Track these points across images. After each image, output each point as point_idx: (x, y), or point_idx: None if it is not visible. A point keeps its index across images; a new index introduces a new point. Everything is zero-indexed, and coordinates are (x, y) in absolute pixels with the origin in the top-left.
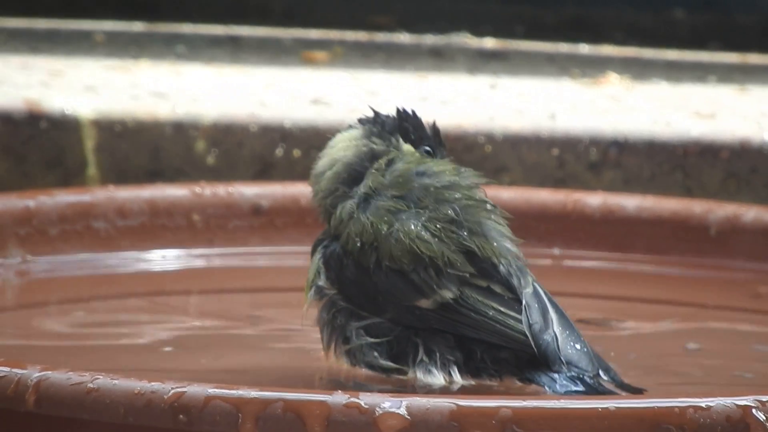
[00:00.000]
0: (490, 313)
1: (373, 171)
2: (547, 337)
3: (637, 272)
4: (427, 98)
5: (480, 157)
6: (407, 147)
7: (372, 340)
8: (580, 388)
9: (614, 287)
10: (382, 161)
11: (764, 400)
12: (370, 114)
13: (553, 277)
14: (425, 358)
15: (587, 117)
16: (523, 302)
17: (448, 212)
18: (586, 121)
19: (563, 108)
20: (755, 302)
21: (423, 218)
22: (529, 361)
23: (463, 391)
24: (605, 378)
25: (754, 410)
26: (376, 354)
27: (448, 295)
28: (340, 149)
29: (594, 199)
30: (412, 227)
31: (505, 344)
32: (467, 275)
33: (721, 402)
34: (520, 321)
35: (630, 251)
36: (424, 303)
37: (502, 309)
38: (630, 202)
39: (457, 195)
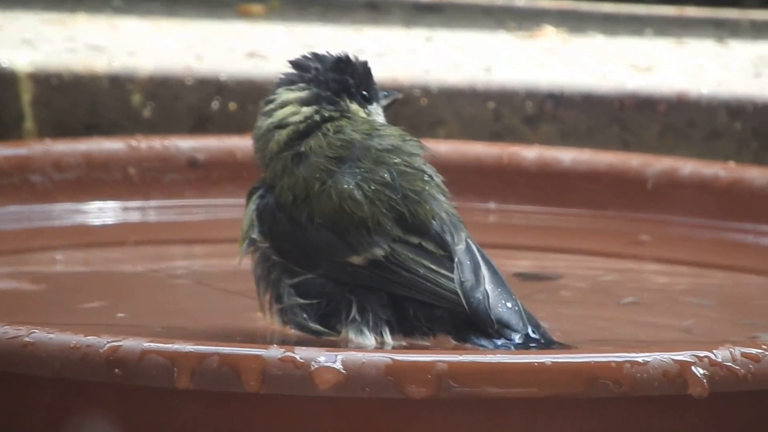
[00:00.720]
0: (421, 271)
1: (319, 134)
2: (479, 294)
3: (573, 226)
4: (363, 51)
5: (416, 111)
6: (355, 109)
7: (302, 301)
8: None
9: (550, 240)
10: (331, 127)
11: (702, 355)
12: (310, 61)
13: (488, 230)
14: (357, 317)
15: (523, 70)
16: (455, 259)
17: (385, 175)
18: (522, 75)
19: (499, 61)
20: (692, 255)
21: (358, 178)
22: (464, 320)
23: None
24: (535, 336)
25: (692, 366)
26: (305, 316)
27: (379, 252)
28: (288, 113)
29: (530, 153)
30: (345, 186)
31: (436, 302)
32: (399, 233)
33: (658, 357)
34: (452, 279)
35: (566, 205)
36: (356, 259)
37: (433, 267)
38: (566, 156)
39: (397, 160)
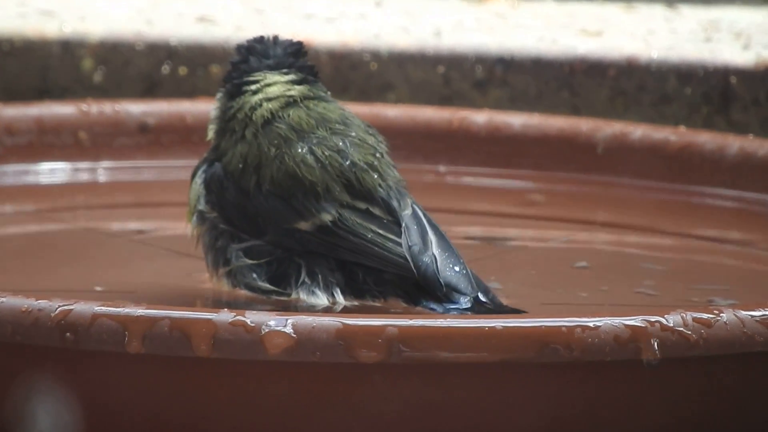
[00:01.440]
0: (369, 236)
1: (302, 107)
2: (426, 258)
3: (523, 190)
4: (312, 16)
5: (366, 75)
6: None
7: (251, 261)
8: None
9: (501, 205)
10: (314, 105)
11: (653, 320)
12: (270, 47)
13: (438, 194)
14: (307, 280)
15: (473, 35)
16: (402, 224)
17: (339, 143)
18: (471, 39)
19: (449, 26)
20: (643, 220)
21: (313, 143)
22: (414, 284)
23: (348, 311)
24: (485, 300)
25: (643, 331)
26: (254, 275)
27: (326, 217)
28: (283, 90)
29: (480, 117)
30: (299, 150)
31: (384, 267)
32: (346, 199)
33: (609, 321)
34: (400, 244)
35: (516, 169)
36: (304, 225)
37: (381, 232)
38: (516, 120)
39: (353, 134)
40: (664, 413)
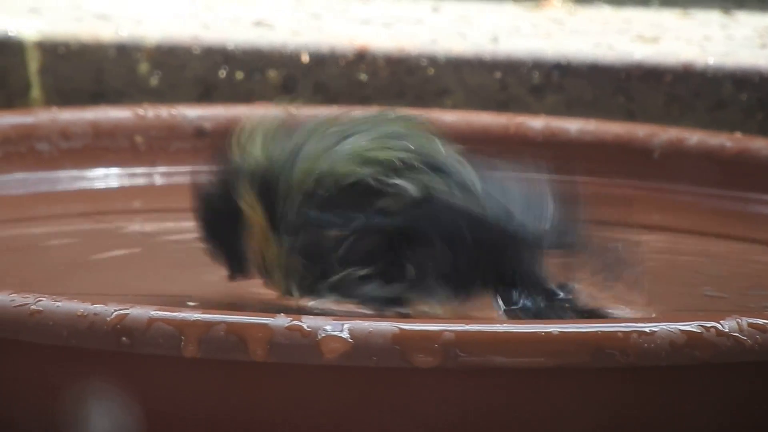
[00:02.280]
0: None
1: None
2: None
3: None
4: (370, 21)
5: (422, 80)
6: None
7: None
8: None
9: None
10: None
11: (709, 325)
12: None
13: None
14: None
15: (530, 40)
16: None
17: (392, 131)
18: (528, 45)
19: (506, 31)
20: (699, 225)
21: (369, 136)
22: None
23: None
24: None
25: (699, 336)
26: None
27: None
28: None
29: (536, 123)
30: (361, 143)
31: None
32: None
33: (665, 327)
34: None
35: (572, 175)
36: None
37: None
38: (573, 126)
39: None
40: (718, 418)
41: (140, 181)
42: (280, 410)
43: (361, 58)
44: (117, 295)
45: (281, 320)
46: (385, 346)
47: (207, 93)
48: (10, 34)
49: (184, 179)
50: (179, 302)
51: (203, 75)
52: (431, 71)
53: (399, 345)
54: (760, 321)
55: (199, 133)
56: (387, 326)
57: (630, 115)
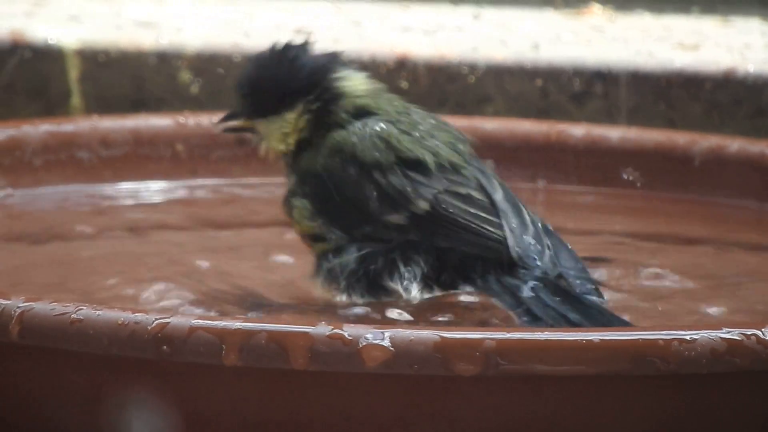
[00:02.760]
0: (467, 219)
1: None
2: (527, 239)
3: (621, 205)
4: (410, 28)
5: (463, 88)
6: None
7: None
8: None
9: (599, 221)
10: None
11: (749, 333)
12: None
13: (538, 209)
14: (406, 275)
15: (570, 48)
16: (498, 207)
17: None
18: (569, 52)
19: (546, 39)
20: (740, 234)
21: (401, 126)
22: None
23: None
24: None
25: (740, 344)
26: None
27: (423, 205)
28: (366, 83)
29: (577, 130)
30: (394, 130)
31: (482, 252)
32: (445, 180)
33: (706, 335)
34: (500, 226)
35: (613, 183)
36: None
37: (481, 214)
38: (614, 133)
39: (432, 121)
40: (758, 425)
41: (181, 190)
42: (321, 419)
43: (402, 65)
44: (157, 303)
45: (322, 328)
46: (426, 354)
47: None
48: (50, 42)
49: (226, 188)
50: (225, 311)
51: None
52: (472, 79)
53: (440, 353)
54: None
55: (240, 141)
56: (428, 334)
57: (670, 123)
